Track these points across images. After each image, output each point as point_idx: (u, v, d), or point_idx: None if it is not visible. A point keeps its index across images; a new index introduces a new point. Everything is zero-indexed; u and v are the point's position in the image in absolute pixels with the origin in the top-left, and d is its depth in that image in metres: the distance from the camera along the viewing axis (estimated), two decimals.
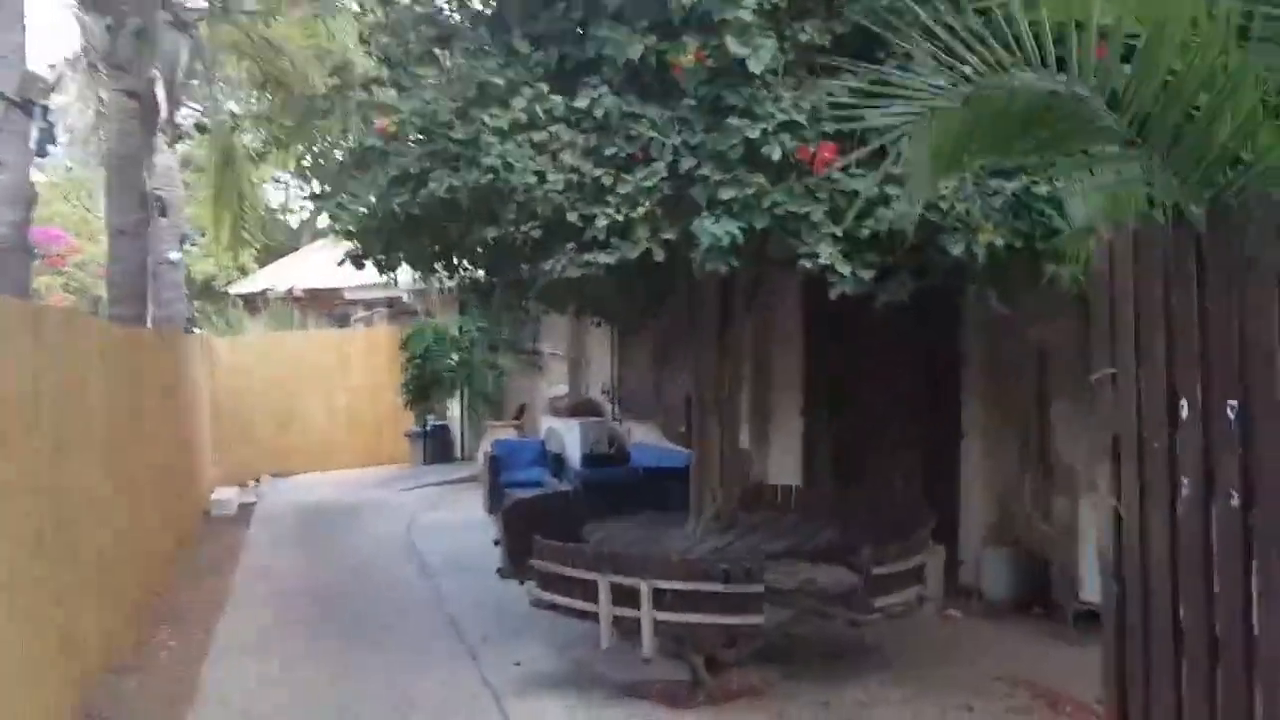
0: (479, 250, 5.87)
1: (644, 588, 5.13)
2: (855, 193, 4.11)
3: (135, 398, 7.76)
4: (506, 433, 12.78)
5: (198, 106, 12.13)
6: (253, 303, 21.93)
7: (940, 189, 4.13)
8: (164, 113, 9.97)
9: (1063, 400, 6.83)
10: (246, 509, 12.58)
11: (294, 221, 31.87)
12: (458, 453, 14.99)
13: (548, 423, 12.31)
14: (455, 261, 7.07)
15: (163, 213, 9.76)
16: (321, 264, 22.07)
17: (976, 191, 4.18)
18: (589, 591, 5.30)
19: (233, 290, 23.87)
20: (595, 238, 4.56)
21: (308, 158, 9.87)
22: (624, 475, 9.42)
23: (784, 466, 9.32)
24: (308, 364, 15.53)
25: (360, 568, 9.26)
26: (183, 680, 6.21)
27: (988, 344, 7.45)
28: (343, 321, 19.03)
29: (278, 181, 31.36)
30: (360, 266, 6.93)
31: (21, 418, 4.66)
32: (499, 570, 6.16)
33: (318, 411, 15.61)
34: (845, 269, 4.14)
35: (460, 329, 12.91)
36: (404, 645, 6.77)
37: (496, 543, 6.16)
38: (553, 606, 5.53)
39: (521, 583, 6.11)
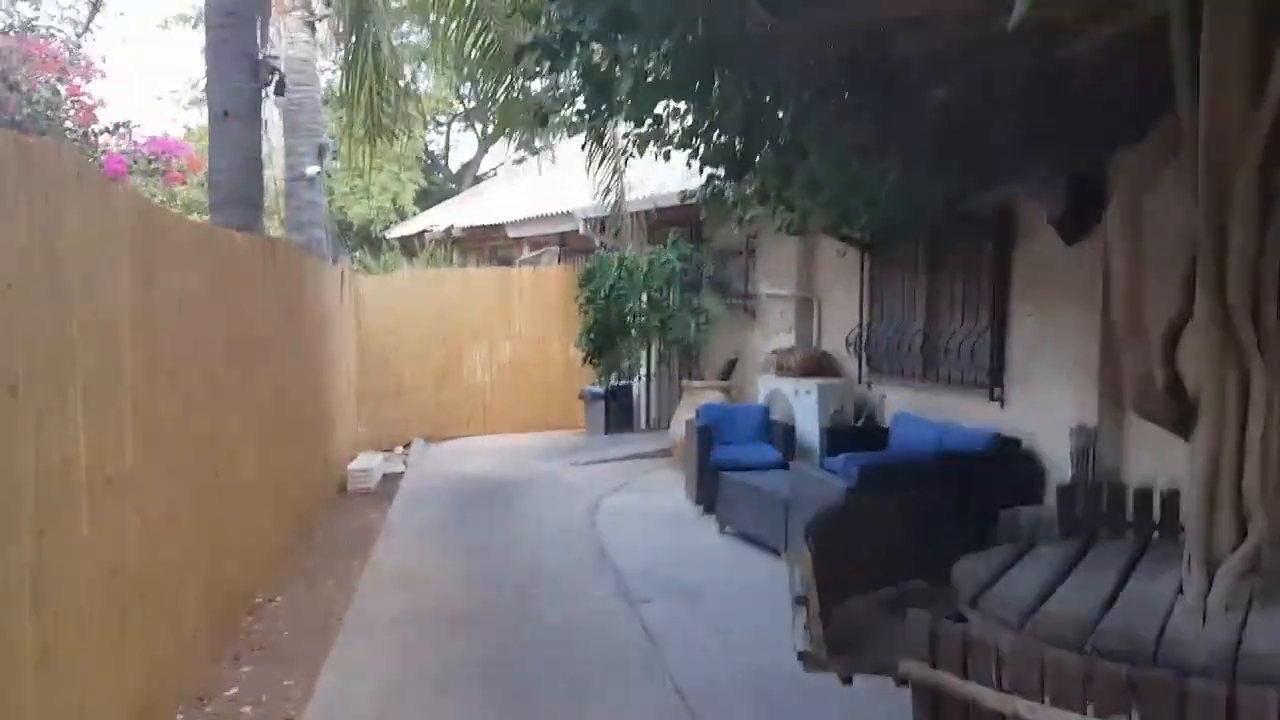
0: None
1: None
2: None
3: (213, 323, 5.23)
4: (712, 396, 9.89)
5: None
6: (409, 246, 19.81)
7: None
8: None
9: None
10: (391, 481, 10.19)
11: (455, 164, 29.93)
12: (642, 420, 12.21)
13: (769, 384, 9.35)
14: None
15: (280, 89, 7.30)
16: (484, 203, 19.85)
17: None
18: None
19: (390, 235, 21.96)
20: None
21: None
22: (916, 463, 6.36)
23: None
24: (468, 308, 13.08)
25: (531, 579, 6.56)
26: None
27: None
28: (506, 263, 16.57)
29: (438, 124, 29.46)
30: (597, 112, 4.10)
31: None
32: (803, 656, 3.21)
33: (478, 365, 13.16)
34: None
35: (651, 263, 10.02)
36: None
37: (801, 602, 3.18)
38: None
39: (847, 680, 3.18)
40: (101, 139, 9.92)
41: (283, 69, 8.11)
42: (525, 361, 13.25)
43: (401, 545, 7.50)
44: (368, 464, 10.11)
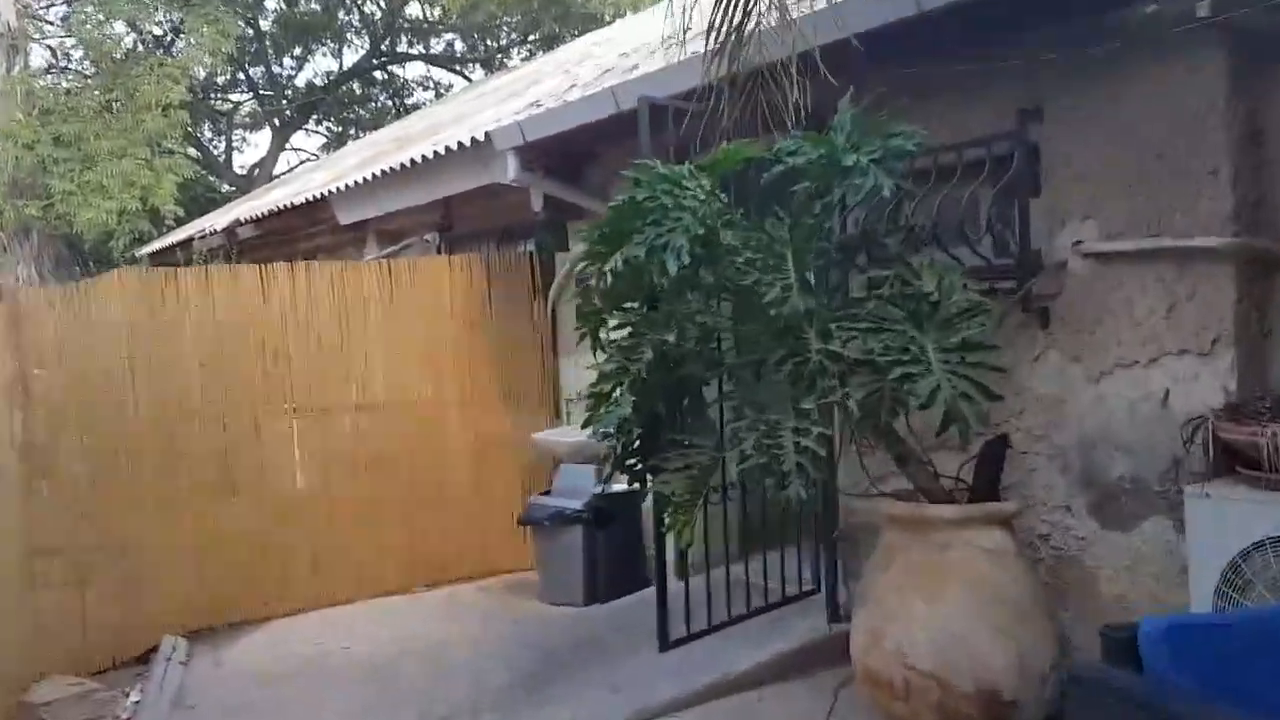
0: None
1: None
2: None
3: None
4: (972, 538, 3.56)
5: None
6: (172, 263, 12.48)
7: None
8: None
9: None
10: None
11: (241, 164, 22.44)
12: (666, 564, 5.69)
13: (1235, 519, 3.15)
14: None
15: None
16: (292, 192, 12.96)
17: None
18: None
19: (141, 252, 14.64)
20: None
21: None
22: None
23: None
24: (265, 348, 6.28)
25: None
26: None
27: None
28: None
29: (217, 120, 22.02)
30: None
31: None
32: None
33: (297, 462, 6.38)
34: None
35: (820, 180, 3.51)
36: None
37: None
38: None
39: None
40: None
41: None
42: (391, 449, 6.55)
43: None
44: None
